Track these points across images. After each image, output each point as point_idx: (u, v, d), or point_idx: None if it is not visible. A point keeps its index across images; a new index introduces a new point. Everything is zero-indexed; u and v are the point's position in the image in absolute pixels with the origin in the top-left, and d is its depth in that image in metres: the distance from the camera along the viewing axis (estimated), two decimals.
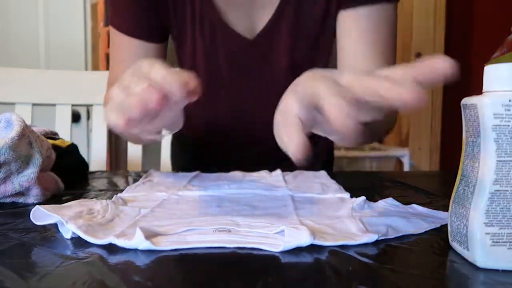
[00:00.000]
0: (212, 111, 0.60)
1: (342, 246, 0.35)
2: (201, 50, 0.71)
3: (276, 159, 0.85)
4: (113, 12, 0.73)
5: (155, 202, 0.50)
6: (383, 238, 0.37)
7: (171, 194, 0.54)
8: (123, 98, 0.40)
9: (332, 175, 0.68)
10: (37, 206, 0.41)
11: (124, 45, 0.72)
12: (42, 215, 0.40)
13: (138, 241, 0.34)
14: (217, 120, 0.82)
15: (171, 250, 0.34)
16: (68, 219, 0.38)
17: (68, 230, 0.38)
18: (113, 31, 0.73)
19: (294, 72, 0.76)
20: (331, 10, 0.73)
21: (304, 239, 0.35)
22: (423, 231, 0.40)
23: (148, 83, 0.39)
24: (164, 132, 0.54)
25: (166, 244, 0.35)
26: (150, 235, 0.36)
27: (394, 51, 0.69)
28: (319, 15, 0.72)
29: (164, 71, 0.40)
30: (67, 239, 0.37)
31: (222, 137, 0.84)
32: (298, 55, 0.74)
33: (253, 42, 0.71)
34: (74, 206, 0.44)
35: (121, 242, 0.35)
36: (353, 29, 0.68)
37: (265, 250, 0.34)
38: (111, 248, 0.35)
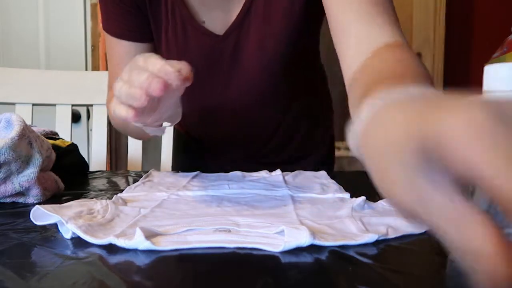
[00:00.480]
0: (188, 109, 0.61)
1: (342, 246, 0.35)
2: (174, 47, 0.72)
3: (274, 160, 0.86)
4: (103, 17, 0.74)
5: (155, 202, 0.50)
6: (383, 238, 0.37)
7: (171, 194, 0.54)
8: (127, 90, 0.42)
9: (332, 175, 0.68)
10: (37, 206, 0.41)
11: (117, 48, 0.74)
12: (42, 215, 0.40)
13: (138, 241, 0.34)
14: (195, 118, 0.82)
15: (171, 250, 0.34)
16: (68, 219, 0.38)
17: (68, 230, 0.38)
18: (107, 36, 0.74)
19: (265, 68, 0.76)
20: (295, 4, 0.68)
21: (304, 239, 0.35)
22: (422, 231, 0.40)
23: (148, 74, 0.42)
24: (165, 124, 0.56)
25: (166, 244, 0.35)
26: (150, 235, 0.36)
27: (391, 11, 0.55)
28: (287, 9, 0.69)
29: (159, 62, 0.43)
30: (67, 239, 0.37)
31: (207, 133, 0.86)
32: (269, 50, 0.73)
33: (223, 37, 0.72)
34: (74, 206, 0.44)
35: (121, 242, 0.35)
36: (345, 18, 0.55)
37: (265, 250, 0.34)
38: (111, 248, 0.35)
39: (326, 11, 0.58)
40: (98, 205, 0.45)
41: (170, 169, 1.00)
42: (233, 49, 0.72)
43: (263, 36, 0.71)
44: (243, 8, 0.69)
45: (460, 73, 1.88)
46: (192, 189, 0.59)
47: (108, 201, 0.47)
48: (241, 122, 0.80)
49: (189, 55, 0.73)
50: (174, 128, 0.99)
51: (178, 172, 0.75)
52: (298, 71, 0.79)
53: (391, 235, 0.38)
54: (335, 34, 0.55)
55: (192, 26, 0.70)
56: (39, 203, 0.46)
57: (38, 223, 0.41)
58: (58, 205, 0.43)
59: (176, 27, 0.71)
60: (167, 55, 0.74)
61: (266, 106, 0.79)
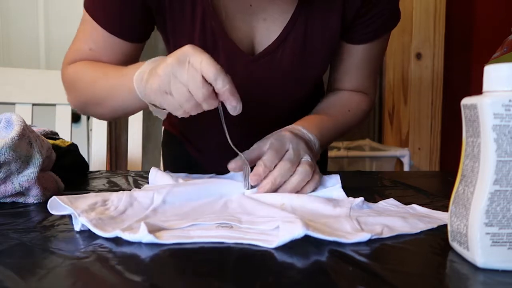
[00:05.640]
0: (206, 130, 0.61)
1: (342, 246, 0.35)
2: None
3: None
4: (93, 2, 0.68)
5: (169, 188, 0.50)
6: (377, 237, 0.37)
7: (185, 184, 0.55)
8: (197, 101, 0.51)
9: (330, 175, 0.68)
10: (54, 196, 0.43)
11: (98, 36, 0.68)
12: (57, 206, 0.43)
13: (142, 235, 0.35)
14: (212, 141, 0.81)
15: (171, 249, 0.34)
16: (80, 212, 0.40)
17: (78, 222, 0.39)
18: (86, 15, 0.68)
19: (292, 90, 0.75)
20: (335, 42, 0.73)
21: (297, 230, 0.35)
22: (418, 231, 0.40)
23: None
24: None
25: (168, 238, 0.36)
26: (154, 229, 0.37)
27: (378, 70, 0.82)
28: (325, 45, 0.72)
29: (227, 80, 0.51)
30: (67, 239, 0.37)
31: (217, 157, 0.84)
32: (299, 81, 0.74)
33: (254, 59, 0.70)
34: (89, 197, 0.46)
35: (126, 236, 0.36)
36: (346, 62, 0.77)
37: (265, 250, 0.34)
38: (111, 248, 0.35)
39: (342, 45, 0.76)
40: (113, 196, 0.47)
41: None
42: (262, 71, 0.72)
43: (298, 64, 0.72)
44: (279, 36, 0.70)
45: (460, 73, 1.88)
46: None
47: (124, 192, 0.48)
48: (246, 132, 0.78)
49: None
50: (165, 130, 0.98)
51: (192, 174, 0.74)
52: (315, 90, 0.83)
53: (386, 234, 0.38)
54: (339, 60, 0.78)
55: (223, 42, 0.68)
56: (39, 203, 0.47)
57: (53, 212, 0.43)
58: (74, 196, 0.45)
59: (205, 38, 0.68)
60: None
61: (276, 120, 0.78)
